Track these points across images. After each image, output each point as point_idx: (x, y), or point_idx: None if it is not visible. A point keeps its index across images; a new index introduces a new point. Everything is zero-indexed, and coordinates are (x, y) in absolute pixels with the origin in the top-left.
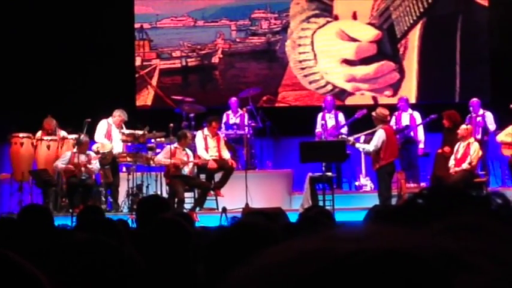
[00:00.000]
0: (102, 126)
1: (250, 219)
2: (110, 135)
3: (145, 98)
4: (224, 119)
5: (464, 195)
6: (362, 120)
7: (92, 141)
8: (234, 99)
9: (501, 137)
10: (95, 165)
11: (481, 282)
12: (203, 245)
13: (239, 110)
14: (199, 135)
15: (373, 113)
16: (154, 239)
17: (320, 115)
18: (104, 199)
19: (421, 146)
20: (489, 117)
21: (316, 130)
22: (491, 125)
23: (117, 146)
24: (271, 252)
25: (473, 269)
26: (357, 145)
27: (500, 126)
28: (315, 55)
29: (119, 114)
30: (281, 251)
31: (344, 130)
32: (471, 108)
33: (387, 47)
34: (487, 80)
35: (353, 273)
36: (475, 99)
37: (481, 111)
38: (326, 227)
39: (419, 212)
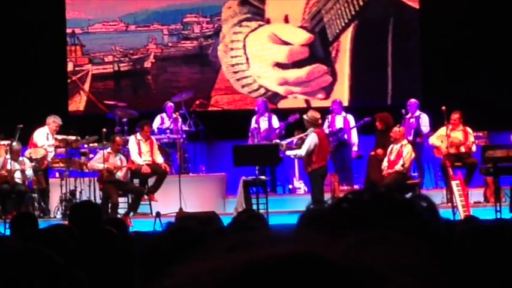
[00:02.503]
0: (42, 134)
1: (183, 224)
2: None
3: (77, 103)
4: (158, 123)
5: (389, 200)
6: (294, 123)
7: (24, 147)
8: (170, 103)
9: (432, 139)
10: (29, 171)
11: None
12: (138, 251)
13: (173, 114)
14: (132, 139)
15: (305, 117)
16: (91, 246)
17: (254, 118)
18: (37, 205)
19: (355, 148)
20: (424, 119)
21: (249, 134)
22: (425, 127)
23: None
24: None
25: (385, 279)
26: (288, 153)
27: (433, 128)
28: (247, 59)
29: (53, 121)
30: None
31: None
32: (408, 108)
33: (319, 50)
34: (418, 82)
35: (262, 278)
36: (413, 100)
37: (417, 113)
38: (257, 230)
39: (345, 217)
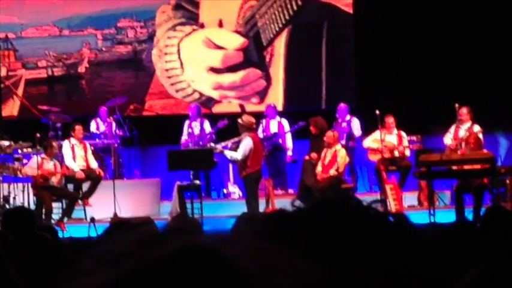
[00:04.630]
0: None
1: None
2: None
3: (11, 108)
4: (92, 128)
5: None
6: (229, 127)
7: None
8: (104, 108)
9: (367, 142)
10: None
11: None
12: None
13: (107, 119)
14: (66, 144)
15: (239, 121)
16: (24, 252)
17: (186, 123)
18: None
19: (289, 153)
20: (355, 123)
21: (182, 138)
22: (357, 131)
23: None
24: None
25: (266, 278)
26: (225, 152)
27: (366, 132)
28: (181, 63)
29: None
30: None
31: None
32: (338, 113)
33: (253, 55)
34: (352, 86)
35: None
36: (342, 104)
37: (348, 117)
38: (191, 235)
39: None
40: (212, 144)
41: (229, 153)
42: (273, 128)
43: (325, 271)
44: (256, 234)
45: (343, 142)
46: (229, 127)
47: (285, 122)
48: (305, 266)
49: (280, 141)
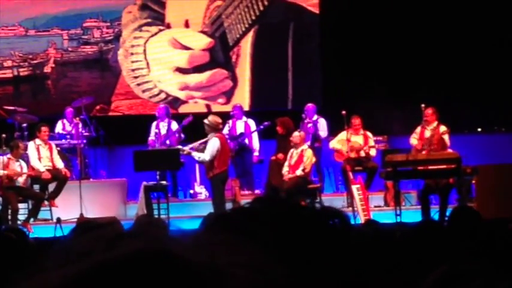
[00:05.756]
0: None
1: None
2: None
3: None
4: (58, 128)
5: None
6: (196, 127)
7: None
8: (69, 108)
9: (333, 143)
10: None
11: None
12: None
13: (73, 119)
14: (31, 145)
15: (206, 121)
16: None
17: (154, 124)
18: None
19: (256, 153)
20: (322, 123)
21: (150, 138)
22: (323, 132)
23: None
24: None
25: (225, 274)
26: (193, 153)
27: (332, 132)
28: (147, 64)
29: None
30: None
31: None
32: (305, 113)
33: (220, 55)
34: (318, 86)
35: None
36: (310, 105)
37: (315, 117)
38: (156, 235)
39: (249, 221)
40: (180, 146)
41: (197, 155)
42: (240, 128)
43: (282, 267)
44: (215, 231)
45: (309, 143)
46: (195, 126)
47: (251, 122)
48: (263, 260)
49: (246, 141)
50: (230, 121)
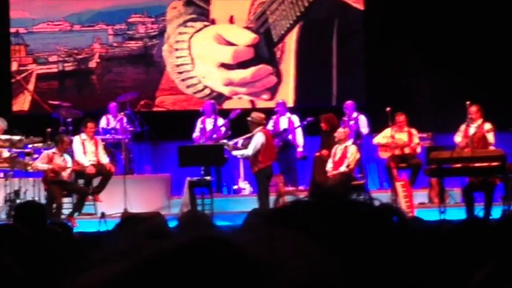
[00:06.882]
0: None
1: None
2: None
3: (22, 103)
4: (103, 123)
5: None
6: (239, 124)
7: None
8: (113, 103)
9: (378, 139)
10: None
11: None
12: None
13: (118, 114)
14: (76, 140)
15: (249, 118)
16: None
17: (200, 119)
18: None
19: (300, 149)
20: (362, 120)
21: (194, 135)
22: (364, 129)
23: None
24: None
25: (279, 266)
26: (234, 153)
27: (377, 129)
28: (192, 59)
29: None
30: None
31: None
32: (345, 110)
33: (264, 51)
34: (362, 83)
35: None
36: (349, 102)
37: (355, 114)
38: (201, 229)
39: (299, 216)
40: (225, 141)
41: (238, 153)
42: (283, 124)
43: (336, 259)
44: (267, 224)
45: (352, 140)
46: (240, 122)
47: (295, 119)
48: (318, 253)
49: (290, 137)
50: (274, 117)
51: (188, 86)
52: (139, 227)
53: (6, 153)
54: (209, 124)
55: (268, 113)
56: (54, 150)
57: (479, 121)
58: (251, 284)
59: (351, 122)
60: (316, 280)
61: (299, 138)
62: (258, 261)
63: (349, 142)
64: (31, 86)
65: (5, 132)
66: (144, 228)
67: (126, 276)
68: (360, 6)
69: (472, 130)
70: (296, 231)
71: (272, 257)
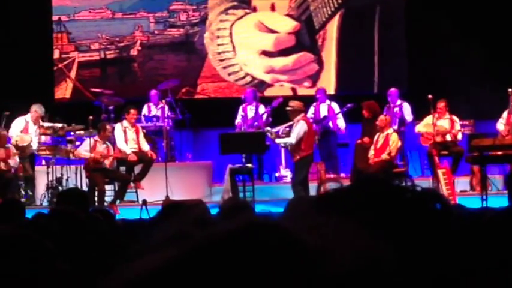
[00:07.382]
0: (19, 123)
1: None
2: (27, 131)
3: (63, 90)
4: (145, 111)
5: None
6: (280, 112)
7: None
8: (154, 91)
9: (420, 127)
10: (15, 159)
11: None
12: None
13: (159, 102)
14: (118, 127)
15: (289, 107)
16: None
17: (241, 107)
18: (23, 192)
19: (342, 130)
20: (406, 107)
21: (236, 122)
22: (409, 116)
23: (35, 142)
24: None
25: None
26: (277, 141)
27: (418, 116)
28: (233, 47)
29: (35, 110)
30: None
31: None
32: (389, 98)
33: (305, 39)
34: (404, 70)
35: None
36: (393, 89)
37: (398, 102)
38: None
39: (343, 203)
40: (268, 128)
41: (281, 141)
42: (323, 111)
43: (385, 245)
44: (312, 211)
45: (395, 127)
46: (281, 111)
47: (334, 105)
48: (367, 239)
49: (330, 124)
50: (314, 104)
51: (230, 74)
52: (183, 215)
53: (47, 140)
54: (250, 111)
55: (309, 100)
56: (96, 137)
57: None
58: (304, 270)
59: (396, 109)
60: (369, 267)
61: (341, 122)
62: (311, 247)
63: (391, 130)
64: (73, 74)
65: (46, 119)
66: (189, 216)
67: (178, 263)
68: None
69: None
70: (343, 218)
71: (324, 244)
